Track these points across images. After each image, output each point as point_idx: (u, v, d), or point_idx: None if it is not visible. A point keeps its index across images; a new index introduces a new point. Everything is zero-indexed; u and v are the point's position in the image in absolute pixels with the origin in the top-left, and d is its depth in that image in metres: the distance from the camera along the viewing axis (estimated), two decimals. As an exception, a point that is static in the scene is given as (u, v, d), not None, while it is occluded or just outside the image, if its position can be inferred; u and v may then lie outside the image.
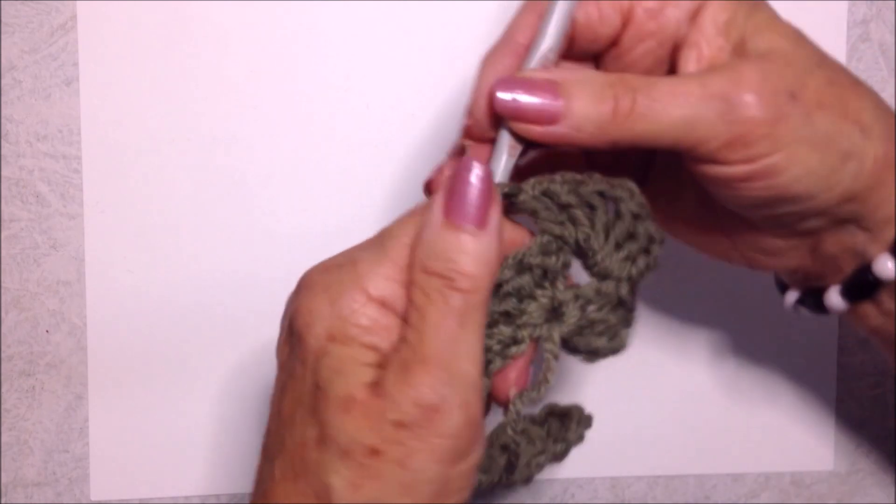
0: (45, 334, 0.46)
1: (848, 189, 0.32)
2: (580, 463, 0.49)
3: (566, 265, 0.33)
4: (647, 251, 0.33)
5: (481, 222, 0.29)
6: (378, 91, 0.45)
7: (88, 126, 0.44)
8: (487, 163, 0.32)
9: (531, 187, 0.32)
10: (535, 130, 0.31)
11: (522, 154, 0.33)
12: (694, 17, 0.33)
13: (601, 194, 0.33)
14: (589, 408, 0.48)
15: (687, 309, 0.48)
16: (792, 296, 0.38)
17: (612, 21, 0.33)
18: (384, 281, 0.30)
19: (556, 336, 0.33)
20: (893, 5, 0.47)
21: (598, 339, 0.34)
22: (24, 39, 0.44)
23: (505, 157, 0.33)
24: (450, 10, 0.45)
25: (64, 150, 0.45)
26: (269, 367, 0.47)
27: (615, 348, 0.34)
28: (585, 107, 0.31)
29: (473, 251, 0.29)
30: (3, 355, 0.45)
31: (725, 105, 0.31)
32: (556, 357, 0.33)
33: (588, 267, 0.34)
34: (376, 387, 0.29)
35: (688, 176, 0.34)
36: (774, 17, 0.33)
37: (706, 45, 0.33)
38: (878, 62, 0.48)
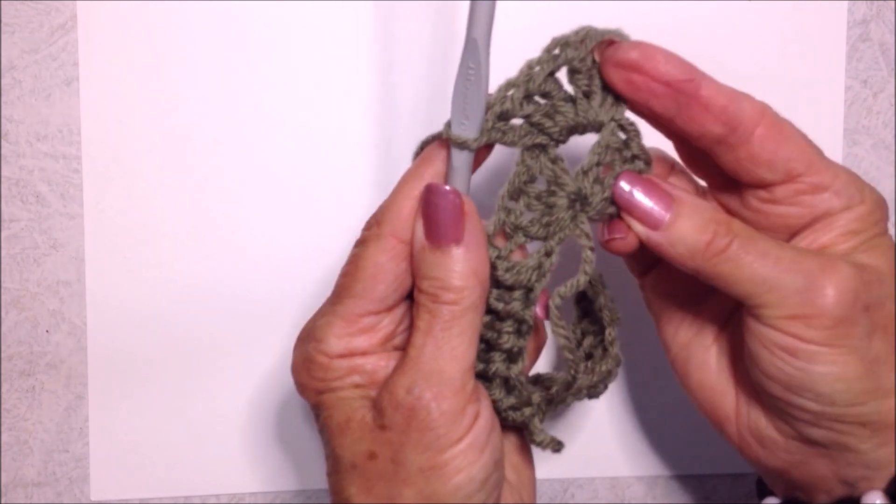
0: (45, 334, 0.46)
1: (867, 414, 0.33)
2: (580, 463, 0.49)
3: (555, 160, 0.35)
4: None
5: (457, 238, 0.33)
6: (378, 92, 0.45)
7: (88, 126, 0.44)
8: (446, 183, 0.34)
9: (490, 121, 0.34)
10: (636, 227, 0.35)
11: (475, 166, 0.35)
12: (839, 213, 0.35)
13: (551, 75, 0.34)
14: (589, 408, 0.48)
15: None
16: (771, 501, 0.38)
17: (780, 172, 0.35)
18: (337, 339, 0.34)
19: (586, 227, 0.35)
20: (893, 5, 0.47)
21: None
22: (24, 39, 0.44)
23: (465, 176, 0.34)
24: (450, 9, 0.45)
25: (64, 150, 0.45)
26: (269, 367, 0.47)
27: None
28: (687, 229, 0.34)
29: (454, 266, 0.33)
30: (3, 355, 0.45)
31: (807, 285, 0.33)
32: (591, 249, 0.35)
33: (582, 133, 0.35)
34: (371, 404, 0.33)
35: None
36: (890, 246, 0.36)
37: (827, 235, 0.35)
38: (878, 62, 0.48)
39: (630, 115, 0.36)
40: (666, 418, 0.49)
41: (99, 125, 0.45)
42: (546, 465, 0.48)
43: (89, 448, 0.46)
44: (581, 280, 0.34)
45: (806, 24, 0.47)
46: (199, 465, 0.47)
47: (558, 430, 0.48)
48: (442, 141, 0.34)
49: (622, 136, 0.35)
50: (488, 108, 0.34)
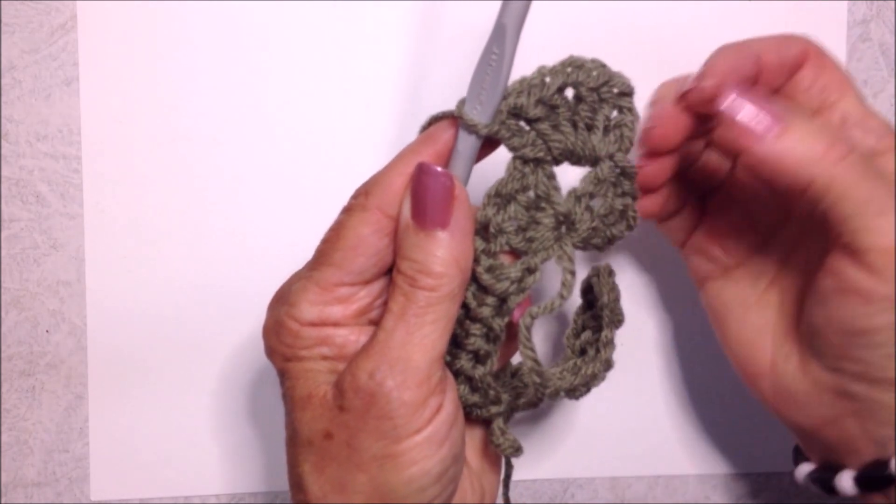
0: (45, 334, 0.46)
1: None
2: (580, 463, 0.49)
3: (550, 177, 0.34)
4: (620, 109, 0.34)
5: (443, 223, 0.32)
6: (378, 91, 0.45)
7: (88, 126, 0.44)
8: (446, 165, 0.34)
9: (501, 113, 0.33)
10: (742, 141, 0.33)
11: (479, 157, 0.34)
12: (872, 157, 0.35)
13: (559, 89, 0.34)
14: (589, 408, 0.48)
15: (688, 310, 0.48)
16: (805, 468, 0.38)
17: (812, 103, 0.36)
18: (310, 306, 0.33)
19: (570, 250, 0.34)
20: (893, 5, 0.47)
21: (615, 227, 0.35)
22: (24, 39, 0.44)
23: (468, 162, 0.34)
24: (449, 9, 0.45)
25: (64, 150, 0.45)
26: (270, 367, 0.47)
27: (630, 227, 0.35)
28: (800, 137, 0.33)
29: (436, 251, 0.32)
30: (3, 355, 0.45)
31: None
32: (572, 273, 0.34)
33: (575, 163, 0.35)
34: (334, 383, 0.32)
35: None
36: None
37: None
38: (878, 62, 0.48)
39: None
40: (666, 418, 0.49)
41: (99, 125, 0.45)
42: (546, 465, 0.48)
43: (89, 448, 0.46)
44: (557, 303, 0.33)
45: (806, 24, 0.47)
46: (199, 465, 0.47)
47: (557, 430, 0.48)
48: (451, 120, 0.34)
49: (617, 172, 0.35)
50: (504, 97, 0.33)
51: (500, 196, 0.34)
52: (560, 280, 0.34)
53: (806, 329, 0.36)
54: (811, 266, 0.36)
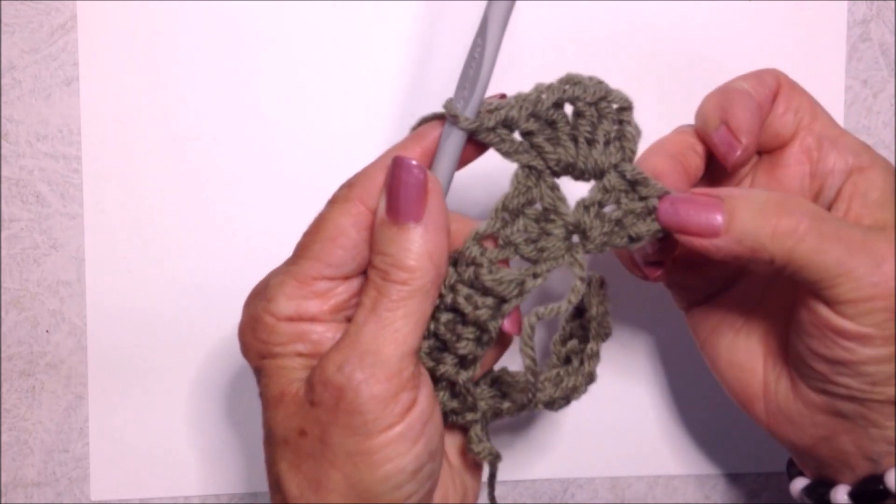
0: (45, 334, 0.46)
1: None
2: (580, 463, 0.49)
3: (553, 188, 0.35)
4: (621, 122, 0.34)
5: (416, 216, 0.31)
6: (378, 91, 0.45)
7: (88, 126, 0.44)
8: (426, 161, 0.34)
9: (490, 119, 0.33)
10: (698, 243, 0.34)
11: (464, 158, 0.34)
12: (850, 174, 0.36)
13: (557, 105, 0.34)
14: (589, 408, 0.48)
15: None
16: (800, 483, 0.39)
17: (789, 127, 0.37)
18: (287, 300, 0.33)
19: (581, 258, 0.34)
20: (893, 5, 0.47)
21: (636, 226, 0.35)
22: (24, 39, 0.44)
23: (451, 156, 0.34)
24: (449, 9, 0.45)
25: (64, 150, 0.45)
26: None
27: (655, 227, 0.35)
28: (748, 221, 0.33)
29: (409, 245, 0.31)
30: (3, 355, 0.45)
31: (875, 269, 0.32)
32: (582, 280, 0.34)
33: (578, 177, 0.35)
34: (306, 378, 0.32)
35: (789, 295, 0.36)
36: None
37: (854, 208, 0.35)
38: (878, 62, 0.48)
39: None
40: (666, 419, 0.49)
41: (99, 125, 0.45)
42: (546, 465, 0.48)
43: (89, 448, 0.46)
44: (563, 307, 0.33)
45: (806, 24, 0.47)
46: (199, 465, 0.47)
47: (558, 429, 0.48)
48: (440, 120, 0.34)
49: (627, 180, 0.35)
50: (496, 108, 0.33)
51: (507, 210, 0.34)
52: (569, 285, 0.34)
53: (792, 353, 0.36)
54: (793, 291, 0.36)
